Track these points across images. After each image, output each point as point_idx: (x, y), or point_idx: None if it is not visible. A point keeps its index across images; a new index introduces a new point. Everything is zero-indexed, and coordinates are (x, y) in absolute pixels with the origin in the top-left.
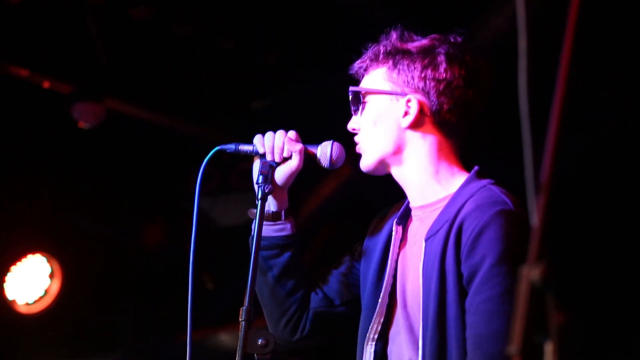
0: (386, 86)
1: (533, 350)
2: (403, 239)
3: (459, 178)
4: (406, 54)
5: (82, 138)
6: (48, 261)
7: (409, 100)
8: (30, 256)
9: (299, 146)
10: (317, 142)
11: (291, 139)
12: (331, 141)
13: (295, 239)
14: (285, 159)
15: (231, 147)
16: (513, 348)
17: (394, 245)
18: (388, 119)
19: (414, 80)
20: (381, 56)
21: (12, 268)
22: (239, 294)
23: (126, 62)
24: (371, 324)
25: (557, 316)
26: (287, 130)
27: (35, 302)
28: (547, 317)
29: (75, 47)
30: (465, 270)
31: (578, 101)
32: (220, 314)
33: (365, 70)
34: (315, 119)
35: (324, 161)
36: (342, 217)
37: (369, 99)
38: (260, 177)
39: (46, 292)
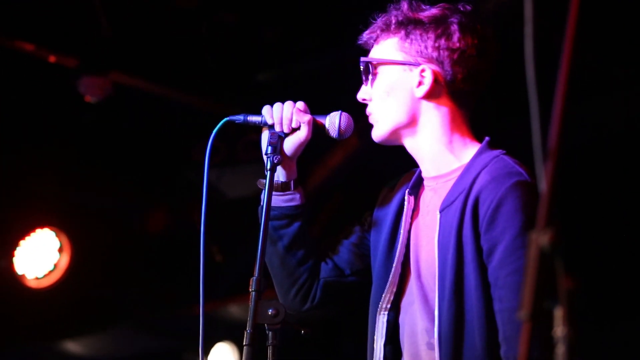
0: (398, 56)
1: (543, 315)
2: (415, 209)
3: (472, 148)
4: (418, 23)
5: (89, 112)
6: (57, 235)
7: (423, 70)
8: (38, 230)
9: (307, 117)
10: (325, 113)
11: (300, 110)
12: (339, 112)
13: (305, 209)
14: (293, 130)
15: (240, 118)
16: (523, 313)
17: (406, 215)
18: (402, 89)
19: (427, 49)
20: (393, 26)
21: (21, 242)
22: (247, 266)
23: (131, 35)
24: (384, 294)
25: (567, 281)
26: (295, 101)
27: (44, 276)
28: (557, 282)
29: (79, 21)
30: (485, 243)
31: (585, 70)
32: (229, 286)
33: (375, 40)
34: (322, 91)
35: (333, 131)
36: (350, 188)
37: (381, 69)
38: (269, 147)
39: (55, 266)
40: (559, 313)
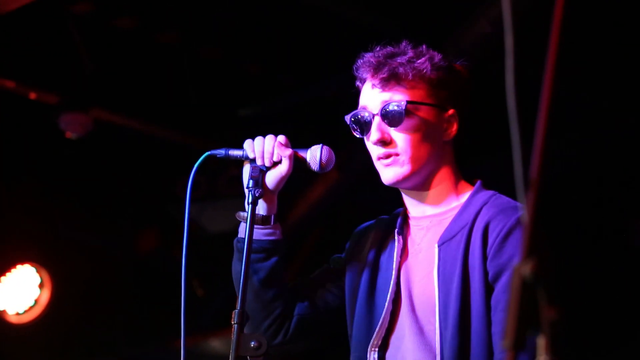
0: (433, 100)
1: (526, 345)
2: (403, 249)
3: (467, 189)
4: (451, 71)
5: (69, 148)
6: (37, 271)
7: (452, 114)
8: (19, 266)
9: (288, 151)
10: (307, 146)
11: (281, 144)
12: (320, 145)
13: (283, 244)
14: (275, 164)
15: (221, 152)
16: (506, 342)
17: (397, 254)
18: (436, 132)
19: (456, 96)
20: (429, 72)
21: (2, 278)
22: (228, 300)
23: (112, 71)
24: (375, 331)
25: (549, 311)
26: (276, 135)
27: (25, 312)
28: (540, 312)
29: (61, 57)
30: (492, 268)
31: (566, 102)
32: (210, 320)
33: (405, 82)
34: (302, 125)
35: (314, 165)
36: (330, 223)
37: (418, 111)
38: (251, 181)
39: (36, 301)
40: (541, 342)
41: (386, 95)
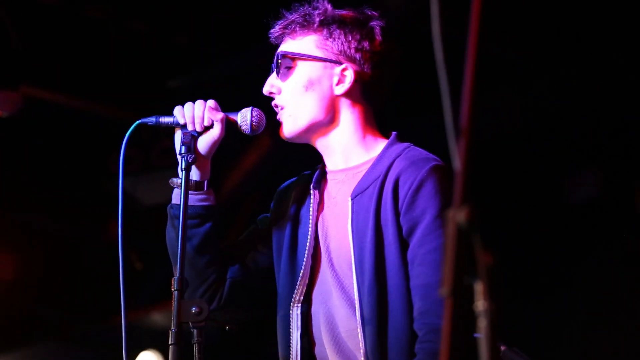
0: (320, 53)
1: (464, 291)
2: (320, 202)
3: (381, 142)
4: (342, 23)
5: (1, 126)
6: None
7: (344, 69)
8: None
9: (220, 114)
10: (236, 111)
11: (211, 108)
12: (250, 107)
13: (216, 209)
14: (206, 128)
15: (152, 119)
16: (444, 289)
17: (313, 209)
18: (321, 86)
19: (350, 50)
20: (316, 24)
21: None
22: (167, 273)
23: (40, 47)
24: (297, 287)
25: (485, 257)
26: (206, 100)
27: None
28: (475, 258)
29: None
30: (405, 223)
31: (492, 60)
32: (150, 294)
33: (291, 35)
34: (230, 95)
35: (245, 127)
36: (266, 189)
37: (300, 64)
38: (183, 147)
39: None
40: (479, 288)
41: (279, 49)
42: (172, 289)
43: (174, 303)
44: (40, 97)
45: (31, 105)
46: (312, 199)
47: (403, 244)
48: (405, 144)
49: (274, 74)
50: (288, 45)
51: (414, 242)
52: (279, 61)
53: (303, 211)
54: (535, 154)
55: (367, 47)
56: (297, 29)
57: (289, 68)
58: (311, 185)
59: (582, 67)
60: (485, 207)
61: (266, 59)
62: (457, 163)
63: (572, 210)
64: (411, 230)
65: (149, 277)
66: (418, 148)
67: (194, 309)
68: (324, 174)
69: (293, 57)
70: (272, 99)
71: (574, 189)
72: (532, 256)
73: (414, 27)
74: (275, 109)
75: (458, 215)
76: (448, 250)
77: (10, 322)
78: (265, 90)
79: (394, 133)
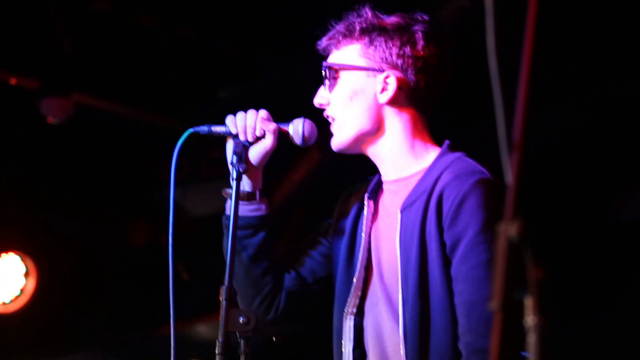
0: (362, 62)
1: (514, 305)
2: (375, 213)
3: (432, 152)
4: (383, 30)
5: (52, 133)
6: (22, 260)
7: (387, 77)
8: (4, 255)
9: (272, 125)
10: (287, 122)
11: (264, 118)
12: (302, 118)
13: (270, 219)
14: (258, 138)
15: (204, 128)
16: (494, 303)
17: (366, 219)
18: (365, 95)
19: (392, 57)
20: (356, 32)
21: None
22: (214, 284)
23: (92, 55)
24: (349, 298)
25: (536, 271)
26: (258, 110)
27: (11, 301)
28: (526, 272)
29: (40, 42)
30: (448, 238)
31: (547, 75)
32: (197, 305)
33: (337, 45)
34: (281, 105)
35: (297, 138)
36: (314, 202)
37: (344, 74)
38: (234, 157)
39: (22, 291)
40: (529, 302)
41: (326, 61)
42: (220, 299)
43: (222, 312)
44: (92, 105)
45: (82, 113)
46: (365, 209)
47: (446, 260)
48: (457, 154)
49: (323, 85)
50: (333, 57)
51: (457, 258)
52: (325, 73)
53: (360, 221)
54: (585, 171)
55: (409, 53)
56: (341, 38)
57: (335, 79)
58: (366, 195)
59: (637, 86)
60: (536, 222)
61: (316, 69)
62: (509, 177)
63: (620, 229)
64: (454, 246)
65: (195, 288)
66: (468, 159)
67: (241, 319)
68: (380, 183)
69: (337, 69)
70: (324, 110)
71: (622, 208)
72: (579, 274)
73: (468, 38)
74: (328, 119)
75: (509, 229)
76: (499, 264)
77: (55, 330)
78: (316, 102)
79: (446, 142)
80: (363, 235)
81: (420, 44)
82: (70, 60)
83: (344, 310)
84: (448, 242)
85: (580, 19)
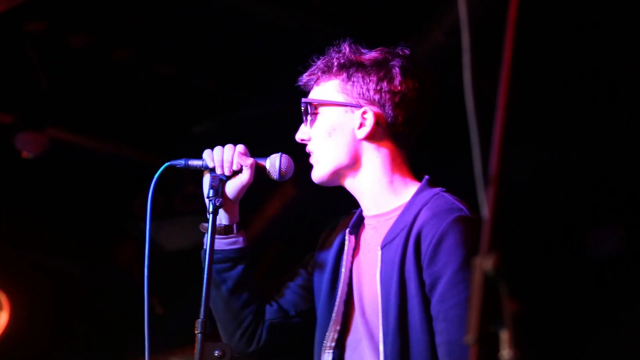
0: (340, 98)
1: (489, 339)
2: (356, 248)
3: (412, 187)
4: (360, 66)
5: (26, 168)
6: None
7: (364, 112)
8: None
9: (249, 160)
10: (264, 157)
11: (241, 153)
12: (279, 153)
13: (248, 252)
14: (235, 173)
15: (180, 162)
16: (470, 337)
17: (347, 254)
18: (343, 130)
19: (369, 92)
20: (334, 68)
21: None
22: (188, 317)
23: (67, 90)
24: (328, 332)
25: (511, 304)
26: (235, 145)
27: None
28: (502, 306)
29: (15, 76)
30: (427, 277)
31: (523, 113)
32: (171, 338)
33: (316, 81)
34: (256, 140)
35: (274, 173)
36: (289, 237)
37: (323, 110)
38: (211, 190)
39: None
40: (504, 336)
41: (306, 97)
42: (196, 332)
43: (197, 345)
44: (66, 139)
45: (58, 147)
46: (346, 244)
47: (425, 298)
48: (436, 190)
49: (304, 121)
50: (312, 93)
51: (436, 297)
52: (305, 108)
53: (342, 256)
54: (560, 206)
55: (387, 88)
56: (320, 74)
57: (314, 114)
58: (347, 230)
59: (609, 125)
60: (511, 256)
61: (294, 104)
62: (486, 211)
63: (593, 264)
64: (433, 285)
65: (169, 321)
66: (447, 195)
67: (216, 352)
68: (361, 218)
69: (315, 104)
70: (303, 145)
71: (596, 243)
72: (553, 307)
73: (444, 75)
74: (310, 154)
75: (485, 263)
76: (474, 298)
77: None
78: (298, 137)
79: (425, 177)
80: (343, 270)
81: (398, 79)
82: (46, 95)
83: (322, 345)
84: (427, 281)
85: (557, 57)
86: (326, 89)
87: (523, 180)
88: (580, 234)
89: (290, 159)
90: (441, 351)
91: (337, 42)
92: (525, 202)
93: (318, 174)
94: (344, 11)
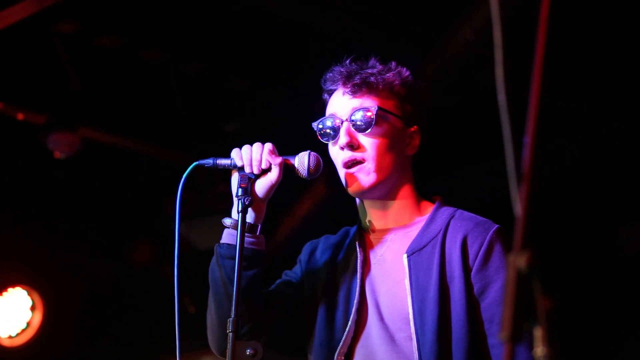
0: (400, 113)
1: (524, 336)
2: (364, 260)
3: (428, 205)
4: (412, 87)
5: (58, 168)
6: (29, 294)
7: (414, 130)
8: (10, 289)
9: (278, 159)
10: (292, 155)
11: (270, 151)
12: (308, 151)
13: (264, 256)
14: (264, 171)
15: (209, 161)
16: (504, 334)
17: (359, 267)
18: (400, 145)
19: (419, 114)
20: (398, 86)
21: None
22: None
23: (98, 90)
24: (343, 339)
25: (545, 302)
26: (263, 143)
27: (17, 334)
28: (535, 303)
29: (47, 77)
30: (478, 281)
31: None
32: (202, 337)
33: (375, 90)
34: (285, 140)
35: (302, 171)
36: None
37: (386, 120)
38: (240, 189)
39: (28, 324)
40: (538, 333)
41: (357, 102)
42: (227, 331)
43: (229, 344)
44: (98, 139)
45: (89, 147)
46: (358, 255)
47: (470, 299)
48: (453, 208)
49: (350, 125)
50: (372, 100)
51: (489, 300)
52: (366, 113)
53: (344, 268)
54: (591, 203)
55: (426, 112)
56: (380, 84)
57: (373, 120)
58: (357, 243)
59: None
60: (544, 253)
61: (319, 104)
62: (518, 208)
63: (625, 261)
64: (484, 288)
65: (201, 321)
66: (466, 211)
67: (248, 351)
68: (361, 232)
69: (382, 114)
70: (325, 145)
71: (627, 239)
72: (587, 305)
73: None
74: (351, 167)
75: (518, 260)
76: (508, 295)
77: None
78: (344, 142)
79: (439, 198)
80: (358, 281)
81: (429, 102)
82: (77, 95)
83: (333, 352)
84: (477, 285)
85: (588, 54)
86: (388, 101)
87: (554, 177)
88: (612, 230)
89: (319, 157)
90: (496, 353)
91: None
92: (557, 199)
93: (368, 183)
94: (374, 10)
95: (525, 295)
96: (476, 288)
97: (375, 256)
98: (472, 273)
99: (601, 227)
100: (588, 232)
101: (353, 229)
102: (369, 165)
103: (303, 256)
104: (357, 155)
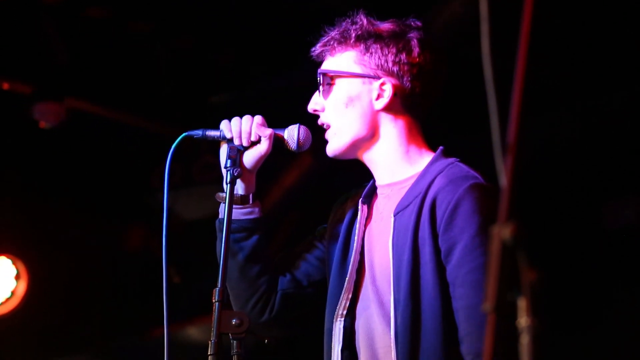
0: (358, 69)
1: (507, 307)
2: (369, 217)
3: (426, 157)
4: (378, 37)
5: (43, 138)
6: (13, 263)
7: (383, 84)
8: None
9: (268, 131)
10: (281, 128)
11: (259, 124)
12: (297, 124)
13: (263, 222)
14: (253, 143)
15: (198, 132)
16: (487, 305)
17: (359, 223)
18: (362, 102)
19: (388, 64)
20: (352, 40)
21: None
22: (206, 287)
23: (85, 60)
24: (340, 301)
25: (529, 273)
26: (253, 115)
27: (1, 304)
28: (519, 274)
29: (33, 47)
30: (443, 244)
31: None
32: (188, 308)
33: (331, 52)
34: (275, 112)
35: (292, 144)
36: (306, 206)
37: (340, 81)
38: (229, 161)
39: (12, 293)
40: (522, 304)
41: (321, 67)
42: (213, 300)
43: (215, 314)
44: (84, 110)
45: (75, 118)
46: (359, 213)
47: (439, 264)
48: (450, 160)
49: (317, 91)
50: (327, 63)
51: (453, 262)
52: (320, 79)
53: (353, 226)
54: (577, 177)
55: (405, 60)
56: (336, 45)
57: (330, 85)
58: (360, 199)
59: (628, 94)
60: (529, 225)
61: (311, 76)
62: (503, 179)
63: (611, 235)
64: (449, 251)
65: (186, 291)
66: (462, 164)
67: (234, 321)
68: (374, 188)
69: (332, 75)
70: (318, 116)
71: (613, 214)
72: (571, 277)
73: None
74: (323, 127)
75: (503, 231)
76: (492, 266)
77: (47, 333)
78: (310, 108)
79: (440, 148)
80: (356, 238)
81: (416, 50)
82: (63, 66)
83: (334, 313)
84: (443, 247)
85: (575, 26)
86: (343, 60)
87: (541, 150)
88: (598, 204)
89: (308, 130)
90: (460, 316)
91: (351, 13)
92: (543, 172)
93: (335, 147)
94: None
95: (509, 267)
96: (442, 251)
97: (377, 213)
98: (439, 236)
99: (588, 201)
100: (574, 207)
101: (369, 184)
102: (333, 128)
103: (331, 214)
104: (322, 119)
